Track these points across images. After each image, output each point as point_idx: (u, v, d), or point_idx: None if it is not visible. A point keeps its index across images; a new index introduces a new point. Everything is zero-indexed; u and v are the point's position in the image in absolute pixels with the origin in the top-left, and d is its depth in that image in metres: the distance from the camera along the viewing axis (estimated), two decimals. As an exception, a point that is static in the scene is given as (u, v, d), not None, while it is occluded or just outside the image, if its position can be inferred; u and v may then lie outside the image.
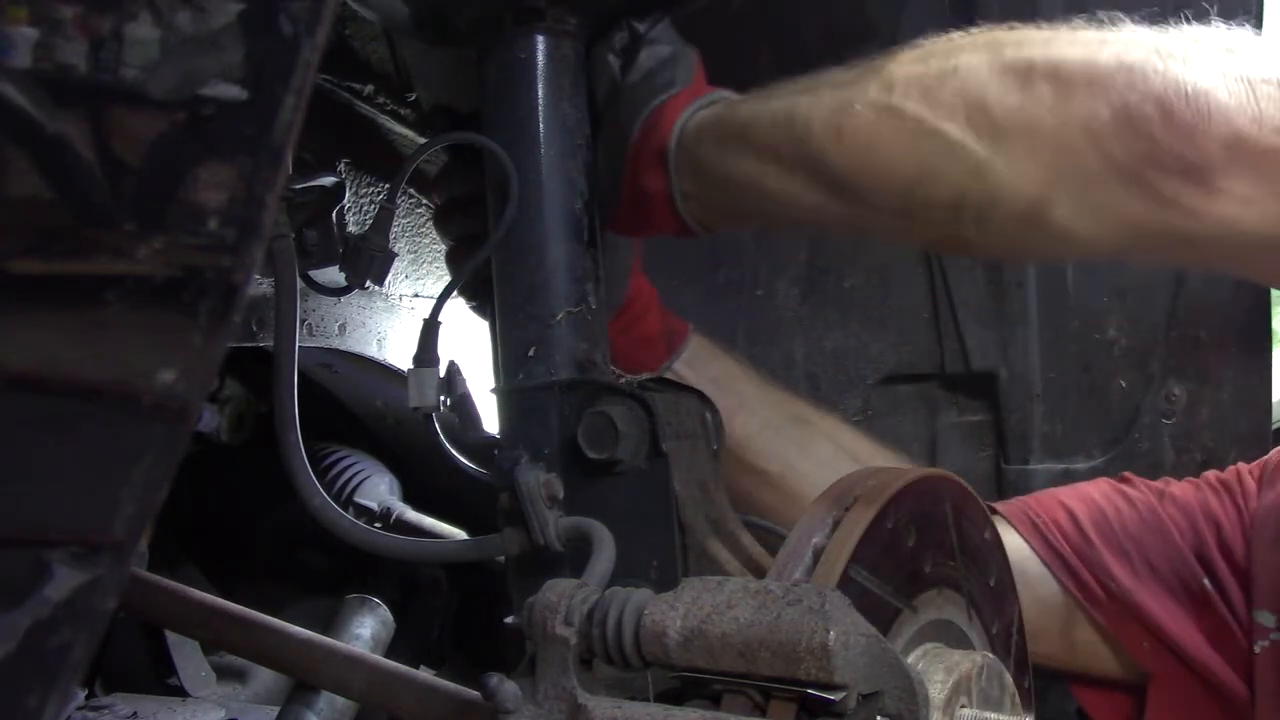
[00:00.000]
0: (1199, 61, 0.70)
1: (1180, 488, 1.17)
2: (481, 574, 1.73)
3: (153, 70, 0.43)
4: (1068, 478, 1.44)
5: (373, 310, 1.47)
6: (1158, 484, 1.19)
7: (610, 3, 0.98)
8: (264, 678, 1.67)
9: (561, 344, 0.94)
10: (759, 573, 0.86)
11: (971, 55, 0.79)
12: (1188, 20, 0.76)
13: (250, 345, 1.21)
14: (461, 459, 1.06)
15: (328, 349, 1.41)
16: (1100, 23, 0.79)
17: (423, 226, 1.47)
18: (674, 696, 0.69)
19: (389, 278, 1.10)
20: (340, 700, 1.37)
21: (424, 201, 1.44)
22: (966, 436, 1.59)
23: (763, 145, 0.89)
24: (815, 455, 1.13)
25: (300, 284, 0.98)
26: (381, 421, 1.77)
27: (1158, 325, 1.47)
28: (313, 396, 1.56)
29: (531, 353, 0.94)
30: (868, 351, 1.59)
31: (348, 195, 1.11)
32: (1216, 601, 1.10)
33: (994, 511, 1.20)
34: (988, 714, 0.74)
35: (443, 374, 0.98)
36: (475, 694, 0.82)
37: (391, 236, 1.02)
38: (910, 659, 0.75)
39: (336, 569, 1.75)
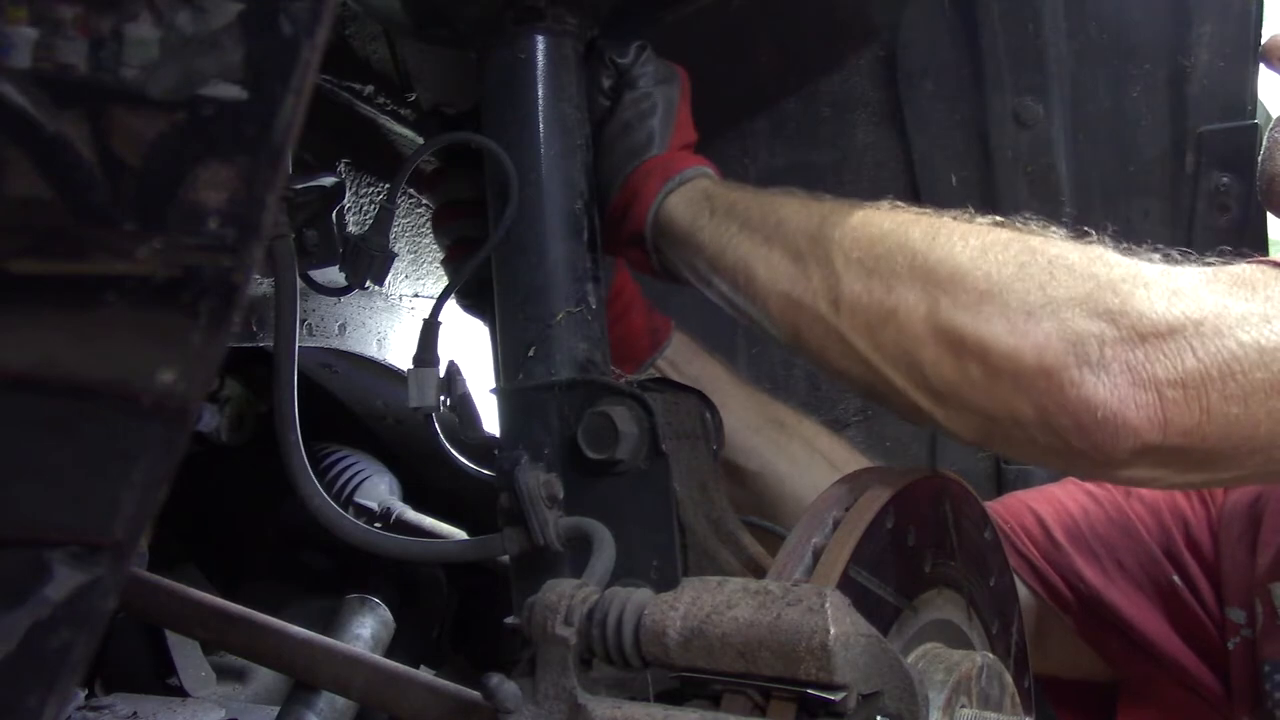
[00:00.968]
0: (1113, 370, 0.73)
1: None
2: (481, 574, 1.73)
3: (153, 70, 0.43)
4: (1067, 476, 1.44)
5: (373, 310, 1.47)
6: None
7: (610, 2, 0.98)
8: (264, 678, 1.66)
9: (561, 344, 0.94)
10: (759, 573, 0.86)
11: (909, 292, 0.80)
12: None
13: (250, 345, 1.21)
14: (461, 459, 1.06)
15: (328, 349, 1.41)
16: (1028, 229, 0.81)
17: (423, 226, 1.47)
18: (674, 696, 0.69)
19: (389, 278, 1.10)
20: (340, 700, 1.37)
21: (424, 201, 1.44)
22: (966, 436, 1.59)
23: (723, 285, 0.92)
24: (792, 457, 1.14)
25: (300, 284, 0.98)
26: (381, 421, 1.77)
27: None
28: (313, 396, 1.56)
29: (531, 353, 0.94)
30: (868, 351, 1.59)
31: (348, 195, 1.11)
32: (1188, 598, 1.11)
33: None
34: (988, 714, 0.74)
35: (443, 374, 0.98)
36: (475, 694, 0.82)
37: (391, 236, 1.02)
38: (910, 659, 0.75)
39: (336, 569, 1.75)
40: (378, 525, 1.65)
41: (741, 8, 1.36)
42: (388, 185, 1.15)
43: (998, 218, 0.84)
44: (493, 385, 0.98)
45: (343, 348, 1.42)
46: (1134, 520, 1.15)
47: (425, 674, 0.99)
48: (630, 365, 1.13)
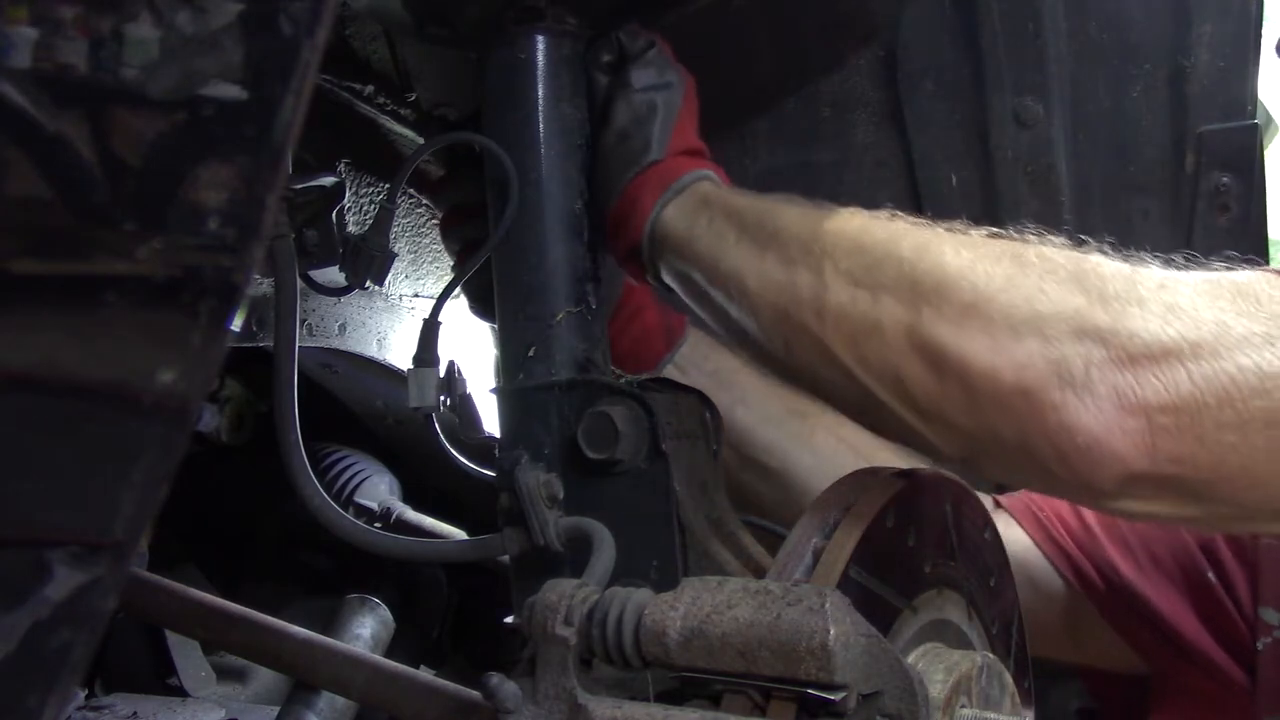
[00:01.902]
0: (1099, 394, 0.70)
1: None
2: (481, 574, 1.73)
3: (153, 70, 0.43)
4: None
5: (373, 310, 1.47)
6: None
7: (610, 3, 0.98)
8: (264, 678, 1.67)
9: (561, 344, 0.94)
10: (759, 573, 0.86)
11: (894, 304, 0.78)
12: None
13: (250, 345, 1.21)
14: (461, 459, 1.06)
15: (328, 349, 1.41)
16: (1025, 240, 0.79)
17: (423, 226, 1.47)
18: (674, 696, 0.69)
19: (389, 278, 1.10)
20: (340, 700, 1.37)
21: (424, 201, 1.44)
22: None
23: (719, 296, 0.90)
24: (815, 448, 1.13)
25: (300, 284, 0.98)
26: (381, 421, 1.77)
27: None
28: (313, 396, 1.56)
29: (531, 353, 0.94)
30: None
31: (348, 195, 1.11)
32: (1221, 595, 1.10)
33: (998, 505, 1.20)
34: (988, 714, 0.74)
35: (443, 374, 0.98)
36: (475, 694, 0.82)
37: (391, 236, 1.02)
38: (910, 659, 0.75)
39: (336, 569, 1.75)
40: (378, 525, 1.65)
41: (741, 8, 1.36)
42: (388, 185, 1.15)
43: (996, 229, 0.81)
44: (493, 385, 0.98)
45: (343, 348, 1.42)
46: None
47: (425, 674, 1.00)
48: (648, 364, 1.12)
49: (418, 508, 1.71)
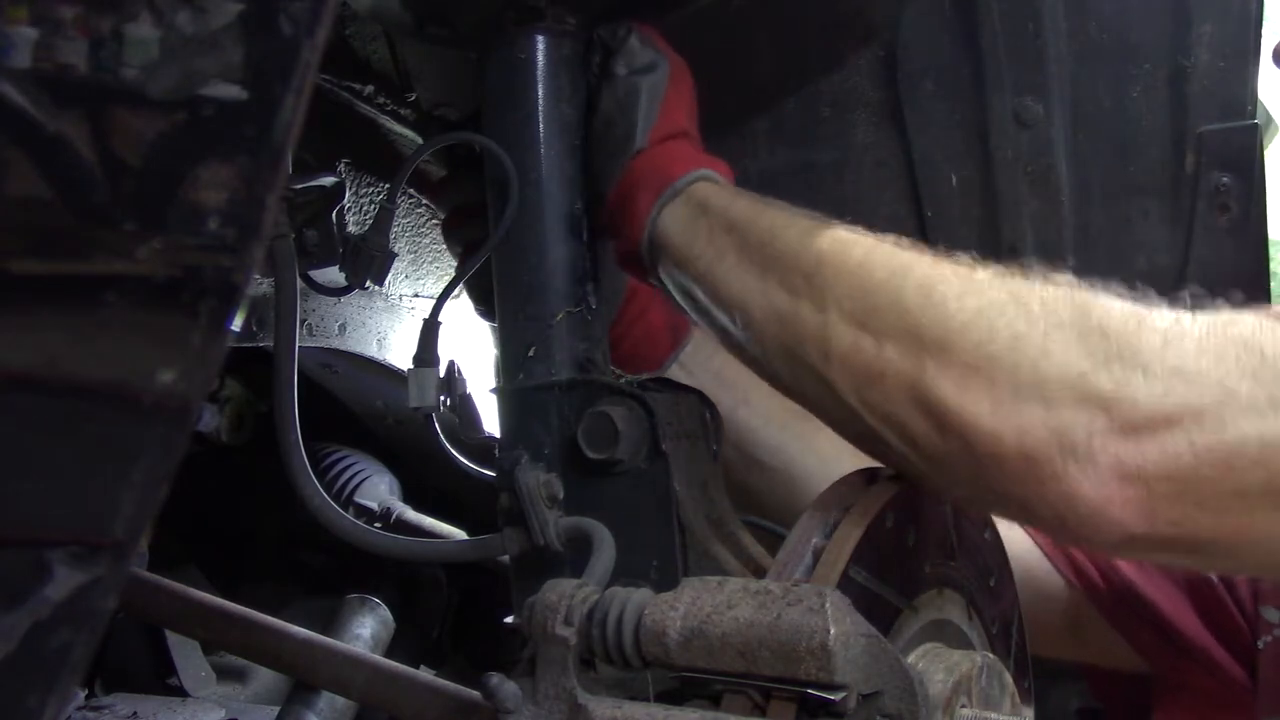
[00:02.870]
0: (1100, 464, 0.70)
1: None
2: (481, 574, 1.73)
3: (153, 70, 0.43)
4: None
5: (373, 310, 1.47)
6: None
7: (610, 2, 0.98)
8: (264, 678, 1.67)
9: (561, 344, 0.94)
10: (759, 573, 0.86)
11: (897, 354, 0.77)
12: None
13: (250, 345, 1.21)
14: (461, 459, 1.06)
15: (328, 349, 1.41)
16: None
17: (423, 226, 1.47)
18: (674, 696, 0.69)
19: (389, 278, 1.10)
20: (340, 700, 1.37)
21: (424, 201, 1.44)
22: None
23: (723, 318, 0.89)
24: (819, 449, 1.13)
25: (300, 284, 0.98)
26: (381, 421, 1.77)
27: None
28: (313, 396, 1.56)
29: (531, 353, 0.94)
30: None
31: (348, 195, 1.11)
32: (1222, 593, 1.10)
33: None
34: (988, 714, 0.74)
35: (443, 374, 0.98)
36: (475, 694, 0.82)
37: (391, 236, 1.02)
38: (910, 659, 0.75)
39: (336, 569, 1.75)
40: (378, 525, 1.65)
41: (741, 8, 1.36)
42: (388, 185, 1.15)
43: (1002, 269, 0.79)
44: (493, 385, 0.98)
45: (343, 348, 1.42)
46: None
47: (425, 674, 1.00)
48: (652, 365, 1.12)
49: (418, 508, 1.71)
